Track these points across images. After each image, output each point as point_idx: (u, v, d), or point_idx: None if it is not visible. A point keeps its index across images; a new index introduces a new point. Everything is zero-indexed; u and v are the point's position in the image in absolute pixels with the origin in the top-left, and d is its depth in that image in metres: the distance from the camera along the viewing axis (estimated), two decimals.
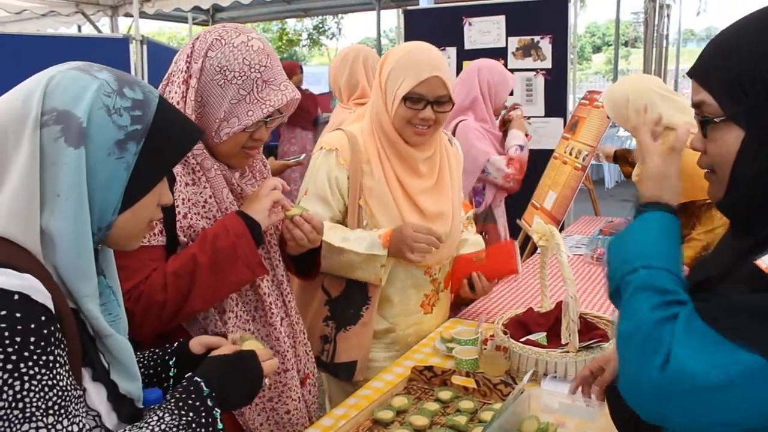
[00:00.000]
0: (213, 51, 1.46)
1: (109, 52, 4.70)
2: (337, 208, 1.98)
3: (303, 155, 4.10)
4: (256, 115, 1.46)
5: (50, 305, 0.87)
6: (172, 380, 1.24)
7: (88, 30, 8.24)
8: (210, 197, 1.48)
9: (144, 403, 1.07)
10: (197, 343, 1.26)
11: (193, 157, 1.47)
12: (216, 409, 1.08)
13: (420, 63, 1.89)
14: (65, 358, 0.89)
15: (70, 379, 0.90)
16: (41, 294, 0.86)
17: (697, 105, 0.98)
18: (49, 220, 0.92)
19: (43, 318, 0.85)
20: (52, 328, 0.86)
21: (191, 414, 1.04)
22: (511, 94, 3.40)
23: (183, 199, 1.45)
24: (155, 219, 1.08)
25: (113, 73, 1.00)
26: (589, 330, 1.86)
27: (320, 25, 22.85)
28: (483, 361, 1.79)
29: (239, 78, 1.45)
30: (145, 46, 4.97)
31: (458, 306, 2.43)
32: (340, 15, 20.59)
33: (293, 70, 6.27)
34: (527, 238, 4.62)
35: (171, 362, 1.25)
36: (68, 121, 0.92)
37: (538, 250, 3.33)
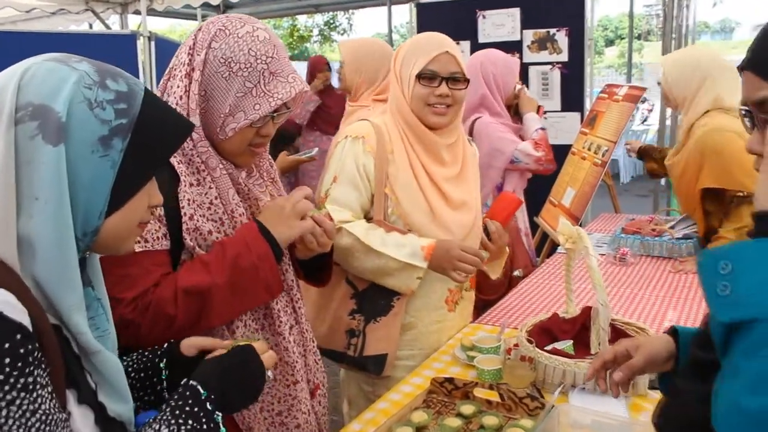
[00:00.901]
0: (217, 42, 1.37)
1: (117, 48, 4.62)
2: (366, 195, 1.95)
3: (315, 149, 3.97)
4: (263, 108, 1.36)
5: (26, 322, 0.77)
6: (164, 383, 1.16)
7: (98, 28, 8.19)
8: (216, 198, 1.39)
9: (137, 427, 0.98)
10: (188, 345, 1.17)
11: (198, 155, 1.37)
12: (217, 413, 1.00)
13: (429, 42, 1.95)
14: (47, 379, 0.80)
15: (53, 401, 0.81)
16: (16, 310, 0.77)
17: (760, 103, 0.85)
18: (27, 225, 0.83)
19: (18, 336, 0.76)
20: (30, 347, 0.77)
21: (190, 422, 0.96)
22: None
23: (188, 200, 1.35)
24: (145, 221, 0.99)
25: (93, 64, 0.91)
26: (618, 337, 1.76)
27: (331, 21, 22.72)
28: (507, 372, 1.69)
29: (245, 70, 1.35)
30: (152, 43, 4.90)
31: (481, 308, 2.35)
32: (351, 11, 20.48)
33: (319, 66, 5.37)
34: (544, 236, 4.51)
35: (162, 365, 1.16)
36: (46, 117, 0.83)
37: (559, 249, 3.27)
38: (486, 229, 2.08)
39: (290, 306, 1.54)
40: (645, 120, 15.11)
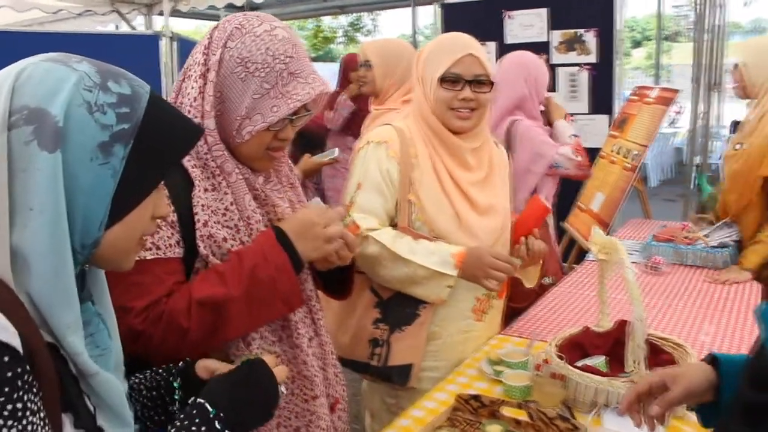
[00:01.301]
0: (233, 41, 1.30)
1: (140, 49, 4.59)
2: (391, 201, 1.89)
3: (336, 150, 3.90)
4: (281, 110, 1.29)
5: (15, 343, 0.71)
6: (177, 404, 1.10)
7: (124, 29, 8.23)
8: (231, 204, 1.32)
9: None
10: (203, 368, 1.11)
11: (213, 159, 1.30)
12: (227, 431, 0.94)
13: (452, 44, 1.89)
14: (38, 404, 0.74)
15: (46, 428, 0.75)
16: (3, 330, 0.71)
17: None
18: (21, 237, 0.76)
19: (6, 359, 0.70)
20: (19, 370, 0.71)
21: None
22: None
23: (203, 206, 1.28)
24: (149, 234, 0.92)
25: (95, 64, 0.84)
26: (655, 354, 1.67)
27: (356, 22, 22.73)
28: (536, 389, 1.60)
29: (262, 70, 1.28)
30: (175, 44, 4.87)
31: (508, 316, 2.26)
32: (375, 12, 20.45)
33: (353, 65, 4.50)
34: (572, 242, 4.41)
35: (175, 384, 1.10)
36: (42, 121, 0.77)
37: (589, 256, 3.17)
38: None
39: (309, 317, 1.47)
40: (673, 122, 14.86)
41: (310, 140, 4.21)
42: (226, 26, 1.32)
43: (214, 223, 1.29)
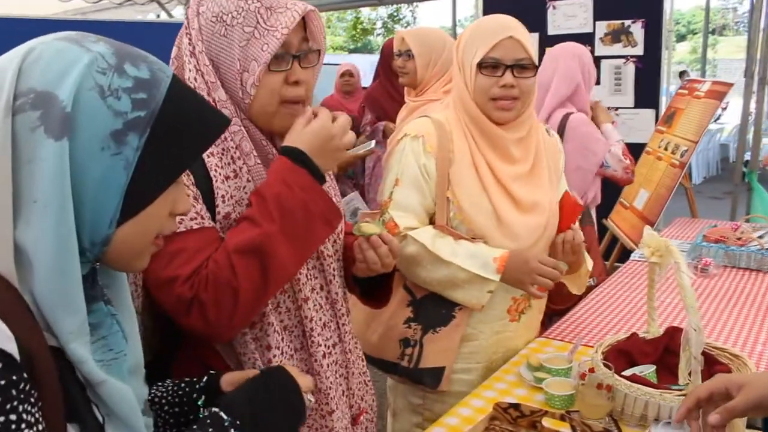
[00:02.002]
0: (203, 5, 1.23)
1: (172, 38, 4.57)
2: (430, 197, 1.79)
3: (373, 141, 3.79)
4: (272, 45, 1.18)
5: (10, 347, 0.65)
6: None
7: (164, 18, 8.28)
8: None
9: None
10: (229, 382, 1.04)
11: (231, 137, 1.21)
12: None
13: (491, 27, 1.77)
14: (37, 415, 0.67)
15: None
16: None
17: None
18: (25, 233, 0.70)
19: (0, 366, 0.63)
20: (14, 378, 0.64)
21: None
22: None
23: (223, 196, 1.20)
24: (166, 232, 0.84)
25: (113, 45, 0.76)
26: (709, 365, 1.55)
27: (395, 14, 22.60)
28: (580, 400, 1.50)
29: (239, 16, 1.19)
30: None
31: (548, 317, 2.16)
32: (414, 3, 20.30)
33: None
34: (613, 240, 4.26)
35: (199, 402, 1.03)
36: (49, 106, 0.70)
37: (633, 256, 3.03)
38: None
39: (334, 321, 1.37)
40: (718, 118, 14.45)
41: None
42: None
43: (238, 214, 1.22)
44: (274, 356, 1.25)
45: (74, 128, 0.70)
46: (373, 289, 1.50)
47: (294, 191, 1.16)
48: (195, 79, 1.21)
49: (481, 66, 1.74)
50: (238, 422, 0.88)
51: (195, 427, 0.87)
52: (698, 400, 1.08)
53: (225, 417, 0.88)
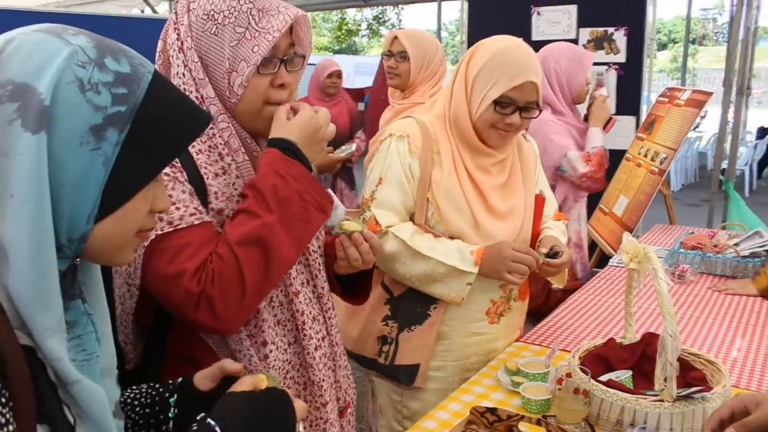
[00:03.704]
0: (194, 2, 1.22)
1: (156, 33, 4.54)
2: (412, 197, 1.81)
3: (354, 145, 3.77)
4: (262, 47, 1.19)
5: None
6: (171, 423, 1.01)
7: (148, 14, 8.22)
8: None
9: None
10: (202, 377, 1.02)
11: (219, 134, 1.22)
12: None
13: (516, 65, 1.74)
14: (8, 416, 0.66)
15: None
16: None
17: None
18: (1, 228, 0.69)
19: None
20: None
21: None
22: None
23: (216, 193, 1.21)
24: (147, 229, 0.83)
25: (94, 38, 0.75)
26: (684, 371, 1.57)
27: (380, 16, 22.60)
28: (557, 405, 1.51)
29: (231, 16, 1.19)
30: None
31: (534, 316, 2.18)
32: (400, 6, 20.31)
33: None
34: (593, 245, 4.29)
35: (172, 400, 1.02)
36: (27, 98, 0.69)
37: (612, 261, 3.05)
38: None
39: (321, 315, 1.39)
40: (697, 127, 14.61)
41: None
42: None
43: (230, 210, 1.22)
44: (270, 351, 1.26)
45: (52, 122, 0.69)
46: (352, 285, 1.51)
47: (288, 182, 1.19)
48: (183, 74, 1.21)
49: (496, 102, 1.74)
50: None
51: None
52: (721, 421, 1.09)
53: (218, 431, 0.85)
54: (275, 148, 1.21)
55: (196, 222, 1.16)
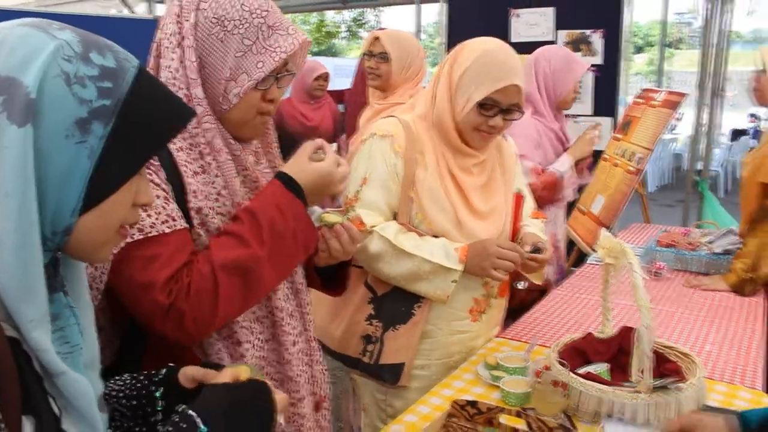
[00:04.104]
0: (205, 2, 1.22)
1: (139, 34, 4.52)
2: (396, 196, 1.82)
3: (334, 145, 3.76)
4: (267, 65, 1.21)
5: None
6: (160, 414, 1.01)
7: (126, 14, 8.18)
8: (223, 188, 1.25)
9: None
10: (187, 377, 1.02)
11: (203, 134, 1.22)
12: None
13: (501, 68, 1.76)
14: None
15: None
16: None
17: None
18: None
19: None
20: None
21: None
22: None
23: (194, 191, 1.21)
24: (129, 223, 0.84)
25: (79, 33, 0.76)
26: (659, 363, 1.60)
27: (359, 18, 22.60)
28: (536, 397, 1.53)
29: (241, 27, 1.20)
30: None
31: (516, 311, 2.19)
32: (379, 8, 20.33)
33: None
34: (571, 244, 4.34)
35: (158, 394, 1.02)
36: (12, 91, 0.69)
37: (589, 259, 3.09)
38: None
39: (298, 311, 1.40)
40: (673, 129, 14.80)
41: (299, 141, 4.05)
42: None
43: (209, 209, 1.23)
44: (247, 350, 1.27)
45: (38, 115, 0.70)
46: (332, 277, 1.53)
47: (287, 219, 1.22)
48: (176, 69, 1.21)
49: (480, 104, 1.76)
50: None
51: (169, 428, 0.85)
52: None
53: (202, 426, 0.86)
54: (282, 183, 1.25)
55: (167, 230, 1.15)
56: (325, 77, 4.65)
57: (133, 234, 1.11)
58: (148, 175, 1.15)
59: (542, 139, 2.85)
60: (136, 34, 4.64)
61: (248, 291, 1.19)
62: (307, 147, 1.29)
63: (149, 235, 1.13)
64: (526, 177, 2.67)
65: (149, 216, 1.13)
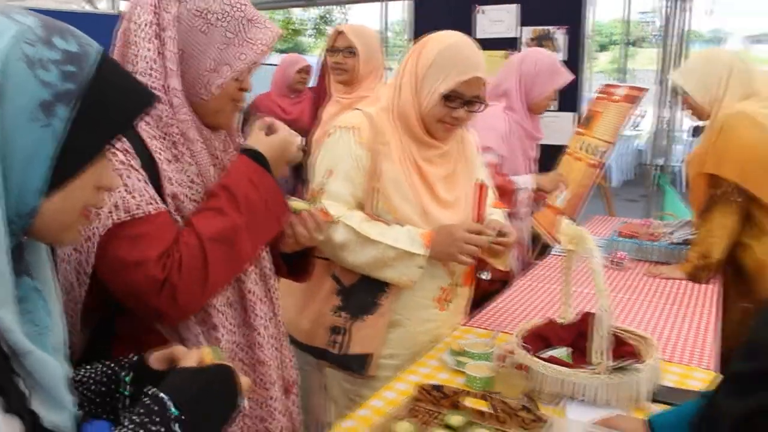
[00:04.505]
0: None
1: (102, 29, 4.45)
2: (361, 188, 1.85)
3: (302, 138, 3.74)
4: (248, 57, 1.27)
5: None
6: (127, 400, 1.02)
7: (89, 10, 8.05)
8: (197, 176, 1.28)
9: None
10: (157, 358, 1.03)
11: (177, 124, 1.25)
12: None
13: (466, 60, 1.80)
14: None
15: None
16: None
17: None
18: None
19: None
20: None
21: None
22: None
23: (170, 178, 1.24)
24: (93, 206, 0.85)
25: (42, 19, 0.77)
26: (618, 346, 1.64)
27: (326, 15, 22.57)
28: (500, 381, 1.57)
29: (223, 20, 1.25)
30: None
31: (479, 301, 2.23)
32: (346, 5, 20.32)
33: None
34: (535, 239, 4.40)
35: (127, 378, 1.03)
36: None
37: (553, 251, 3.15)
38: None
39: (267, 296, 1.43)
40: (636, 126, 15.05)
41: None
42: None
43: (183, 196, 1.26)
44: (222, 335, 1.29)
45: (2, 98, 0.71)
46: (297, 264, 1.56)
47: (259, 191, 1.27)
48: (154, 60, 1.22)
49: (444, 96, 1.79)
50: (183, 417, 0.86)
51: (140, 410, 0.86)
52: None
53: (173, 410, 0.86)
54: (249, 158, 1.30)
55: (153, 211, 1.18)
56: (307, 70, 4.62)
57: (120, 215, 1.14)
58: (125, 162, 1.17)
59: (511, 134, 2.87)
60: (99, 29, 4.58)
61: (232, 261, 1.25)
62: (258, 124, 1.35)
63: (136, 215, 1.16)
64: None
65: (134, 197, 1.16)
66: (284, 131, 1.37)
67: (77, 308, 1.21)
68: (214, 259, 1.20)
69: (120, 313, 1.25)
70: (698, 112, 2.64)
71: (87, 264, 1.16)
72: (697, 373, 1.73)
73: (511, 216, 2.70)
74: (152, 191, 1.20)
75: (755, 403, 0.65)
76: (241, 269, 1.32)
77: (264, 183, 1.29)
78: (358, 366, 1.88)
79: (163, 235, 1.19)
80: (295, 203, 1.43)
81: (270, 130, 1.37)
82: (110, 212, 1.14)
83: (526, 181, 2.83)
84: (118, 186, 1.05)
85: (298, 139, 1.40)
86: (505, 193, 2.72)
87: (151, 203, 1.19)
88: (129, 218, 1.15)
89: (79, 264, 1.17)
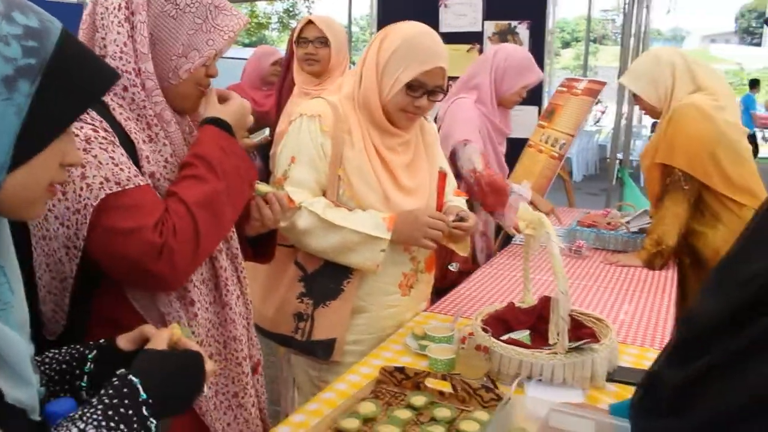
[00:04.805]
0: None
1: (63, 17, 4.37)
2: (324, 175, 1.86)
3: (267, 129, 3.73)
4: (217, 43, 1.30)
5: None
6: (86, 377, 1.02)
7: None
8: (171, 155, 1.31)
9: (48, 416, 0.86)
10: (125, 340, 1.04)
11: (152, 107, 1.27)
12: (151, 420, 0.87)
13: (427, 50, 1.83)
14: None
15: None
16: None
17: None
18: None
19: None
20: None
21: (122, 427, 0.83)
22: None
23: (147, 157, 1.26)
24: (58, 182, 0.85)
25: None
26: (576, 328, 1.70)
27: (291, 9, 22.45)
28: (461, 362, 1.60)
29: (192, 6, 1.28)
30: None
31: (441, 291, 2.26)
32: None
33: None
34: (498, 227, 4.46)
35: (90, 356, 1.03)
36: None
37: (514, 240, 3.20)
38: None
39: (236, 275, 1.46)
40: (598, 121, 15.31)
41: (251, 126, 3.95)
42: None
43: (160, 176, 1.28)
44: (198, 310, 1.31)
45: None
46: (258, 245, 1.60)
47: (230, 157, 1.30)
48: (124, 44, 1.23)
49: (407, 86, 1.81)
50: (151, 401, 0.87)
51: (110, 390, 0.86)
52: None
53: (142, 392, 0.87)
54: (215, 126, 1.32)
55: (141, 183, 1.21)
56: (281, 62, 4.33)
57: (111, 187, 1.16)
58: (107, 138, 1.18)
59: (481, 126, 2.89)
60: (63, 18, 4.51)
61: (217, 226, 1.28)
62: (213, 93, 1.37)
63: (126, 187, 1.17)
64: (471, 161, 2.67)
65: (122, 170, 1.18)
66: (237, 98, 1.40)
67: (66, 284, 1.21)
68: (203, 222, 1.23)
69: (95, 293, 1.26)
70: (651, 111, 2.73)
71: (77, 238, 1.16)
72: (653, 354, 1.79)
73: (495, 213, 2.73)
74: (135, 167, 1.22)
75: (694, 371, 0.68)
76: (225, 234, 1.35)
77: (233, 149, 1.32)
78: (323, 352, 1.90)
79: (157, 204, 1.22)
80: (262, 186, 1.46)
81: (223, 99, 1.39)
82: (101, 184, 1.15)
83: (523, 188, 2.75)
84: (81, 162, 1.05)
85: (247, 102, 1.42)
86: (497, 192, 2.67)
87: (137, 176, 1.21)
88: (120, 190, 1.17)
89: (68, 239, 1.17)
